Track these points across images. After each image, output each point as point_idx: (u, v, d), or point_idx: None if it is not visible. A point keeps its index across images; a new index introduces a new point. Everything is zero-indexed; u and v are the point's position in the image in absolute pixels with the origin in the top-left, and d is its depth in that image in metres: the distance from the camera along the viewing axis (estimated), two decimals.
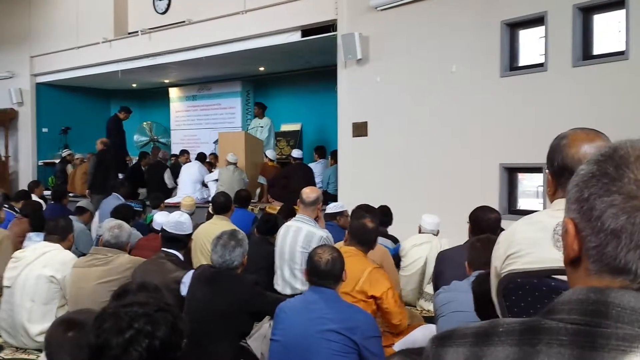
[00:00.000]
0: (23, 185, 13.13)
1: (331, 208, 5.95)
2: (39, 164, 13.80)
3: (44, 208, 7.81)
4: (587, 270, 0.94)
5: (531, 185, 7.12)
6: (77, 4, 12.81)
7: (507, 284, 1.94)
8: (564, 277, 1.82)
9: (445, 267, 4.22)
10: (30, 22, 13.55)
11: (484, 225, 4.01)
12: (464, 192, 6.99)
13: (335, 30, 8.70)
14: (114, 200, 8.40)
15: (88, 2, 12.67)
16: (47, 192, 10.52)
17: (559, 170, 1.89)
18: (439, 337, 1.03)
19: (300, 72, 12.64)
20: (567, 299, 0.94)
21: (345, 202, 6.53)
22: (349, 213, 6.00)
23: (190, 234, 4.42)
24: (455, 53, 7.35)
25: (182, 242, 4.28)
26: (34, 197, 9.01)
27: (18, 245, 5.72)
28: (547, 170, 1.97)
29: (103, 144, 10.85)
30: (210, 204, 6.52)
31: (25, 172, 13.77)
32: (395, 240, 6.23)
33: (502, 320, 0.98)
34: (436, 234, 5.95)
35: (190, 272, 3.86)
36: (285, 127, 12.91)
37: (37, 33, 13.45)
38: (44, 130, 13.85)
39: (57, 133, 13.56)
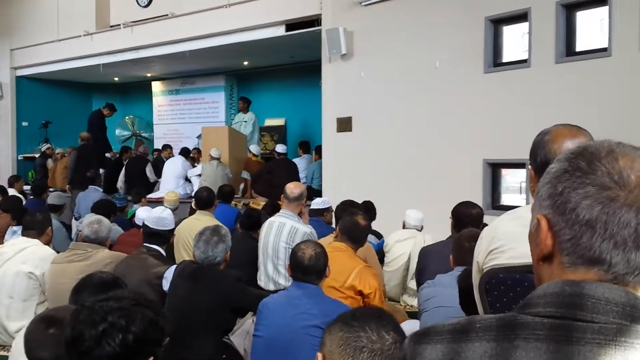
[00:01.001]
0: (2, 180, 12.99)
1: (317, 204, 5.92)
2: (19, 158, 13.63)
3: (23, 203, 7.71)
4: (560, 265, 0.95)
5: (514, 181, 7.15)
6: None
7: (488, 280, 1.94)
8: None
9: (428, 262, 4.22)
10: (11, 14, 13.35)
11: (467, 221, 4.03)
12: (447, 188, 7.00)
13: (320, 25, 8.68)
14: (93, 192, 8.34)
15: None
16: (27, 187, 10.41)
17: (541, 166, 1.89)
18: (416, 335, 1.04)
19: (284, 66, 12.60)
20: (542, 292, 0.95)
21: (329, 198, 6.53)
22: (332, 209, 6.01)
23: (173, 230, 4.38)
24: (439, 49, 7.35)
25: (164, 237, 4.25)
26: (13, 192, 8.91)
27: None
28: (529, 166, 1.97)
29: (83, 139, 10.78)
30: (193, 199, 6.48)
31: (5, 166, 13.59)
32: (379, 235, 6.23)
33: (479, 317, 0.99)
34: (420, 229, 5.96)
35: (173, 268, 3.83)
36: (269, 122, 12.87)
37: (17, 25, 13.27)
38: (24, 124, 13.68)
39: (37, 127, 13.39)
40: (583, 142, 1.82)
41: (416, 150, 7.60)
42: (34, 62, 13.12)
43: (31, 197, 8.73)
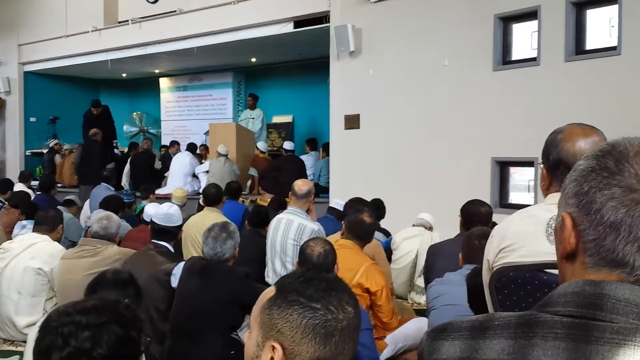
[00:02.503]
0: (10, 174, 13.04)
1: (337, 204, 5.97)
2: (27, 153, 13.66)
3: (31, 199, 7.74)
4: (583, 264, 0.94)
5: (522, 180, 7.13)
6: None
7: (499, 278, 1.94)
8: (556, 271, 1.83)
9: (437, 260, 4.22)
10: (19, 10, 13.37)
11: (475, 219, 4.02)
12: (455, 186, 6.99)
13: (328, 22, 8.66)
14: (104, 190, 8.37)
15: None
16: (34, 183, 10.45)
17: (554, 165, 1.89)
18: (434, 331, 1.04)
19: (292, 63, 12.59)
20: (562, 291, 0.94)
21: (336, 195, 6.54)
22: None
23: (180, 226, 4.38)
24: (448, 47, 7.34)
25: (172, 233, 4.25)
26: (22, 187, 8.94)
27: (7, 236, 5.66)
28: (541, 165, 1.97)
29: (92, 135, 10.85)
30: (201, 196, 6.49)
31: (13, 162, 13.64)
32: (387, 233, 6.23)
33: (498, 314, 0.99)
34: (429, 227, 5.96)
35: (181, 264, 3.84)
36: (276, 119, 12.88)
37: (25, 21, 13.29)
38: (32, 119, 13.71)
39: (45, 123, 13.43)
40: (596, 141, 1.83)
41: (424, 148, 7.58)
42: (42, 57, 13.13)
43: (39, 192, 8.76)
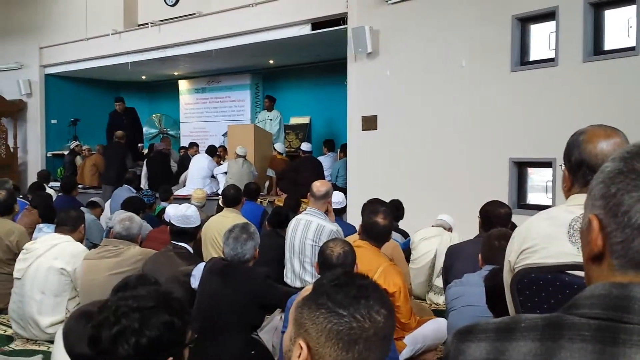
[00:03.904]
0: (32, 176, 13.20)
1: (338, 203, 5.91)
2: (48, 155, 13.83)
3: (53, 200, 7.84)
4: (610, 266, 0.94)
5: (540, 180, 7.10)
6: None
7: (520, 279, 1.95)
8: (578, 273, 1.84)
9: (455, 261, 4.22)
10: (40, 13, 13.54)
11: (495, 220, 4.02)
12: (473, 187, 6.98)
13: (346, 24, 8.68)
14: (126, 192, 8.46)
15: None
16: (55, 184, 10.57)
17: (575, 166, 1.90)
18: (460, 332, 1.04)
19: (309, 65, 12.62)
20: (589, 293, 0.94)
21: (354, 196, 6.55)
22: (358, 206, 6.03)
23: (199, 226, 4.40)
24: (465, 47, 7.33)
25: (191, 234, 4.28)
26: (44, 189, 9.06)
27: (28, 236, 5.72)
28: (562, 166, 1.97)
29: (116, 137, 11.02)
30: (221, 197, 6.53)
31: (34, 163, 13.81)
32: (405, 234, 6.23)
33: (524, 316, 0.99)
34: (448, 228, 5.95)
35: (201, 265, 3.88)
36: (294, 120, 12.91)
37: (46, 24, 13.44)
38: (53, 121, 13.87)
39: (66, 124, 13.59)
40: (618, 143, 1.84)
41: (442, 149, 7.58)
42: (63, 60, 13.29)
43: (60, 193, 8.87)
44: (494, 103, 7.10)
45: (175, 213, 4.30)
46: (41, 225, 5.94)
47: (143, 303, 1.66)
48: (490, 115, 7.13)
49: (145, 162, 11.33)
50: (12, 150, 13.73)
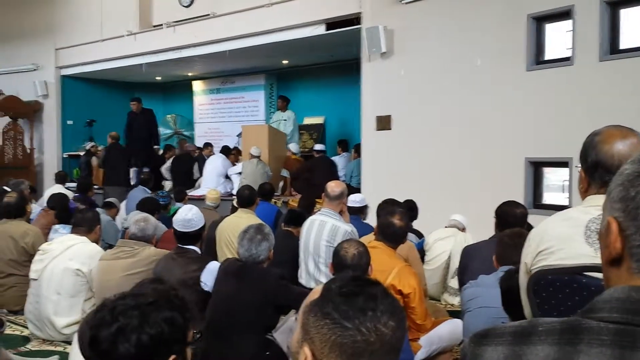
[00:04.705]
0: (48, 177, 13.32)
1: (356, 202, 5.90)
2: (64, 156, 13.93)
3: (69, 200, 7.89)
4: (629, 270, 0.93)
5: (556, 180, 7.06)
6: None
7: (537, 281, 1.93)
8: (596, 274, 1.82)
9: (470, 262, 4.20)
10: (55, 15, 13.62)
11: (511, 220, 4.00)
12: (488, 187, 6.95)
13: (360, 24, 8.67)
14: (141, 192, 8.51)
15: None
16: (71, 184, 10.65)
17: (592, 167, 1.88)
18: (476, 336, 1.03)
19: (323, 65, 12.61)
20: (607, 297, 0.93)
21: (369, 196, 6.52)
22: (371, 206, 6.01)
23: (203, 226, 4.34)
24: (480, 47, 7.29)
25: (196, 236, 4.23)
26: (59, 188, 9.13)
27: (45, 237, 5.77)
28: (578, 167, 1.96)
29: (111, 138, 11.11)
30: (235, 197, 6.55)
31: (50, 164, 13.91)
32: (419, 234, 6.21)
33: (542, 320, 0.98)
34: (462, 228, 5.92)
35: (210, 265, 3.88)
36: (308, 120, 12.91)
37: (62, 25, 13.52)
38: (69, 122, 13.96)
39: (81, 125, 13.66)
40: (634, 143, 1.82)
41: (457, 149, 7.55)
42: (78, 61, 13.36)
43: (76, 194, 8.93)
44: (509, 102, 7.06)
45: (176, 218, 4.25)
46: (57, 226, 5.99)
47: (142, 300, 1.61)
48: (505, 115, 7.09)
49: (171, 161, 11.41)
50: (28, 151, 13.87)
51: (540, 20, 6.90)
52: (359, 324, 1.22)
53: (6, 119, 13.75)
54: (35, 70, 13.97)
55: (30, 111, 13.88)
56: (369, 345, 1.22)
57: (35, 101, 13.88)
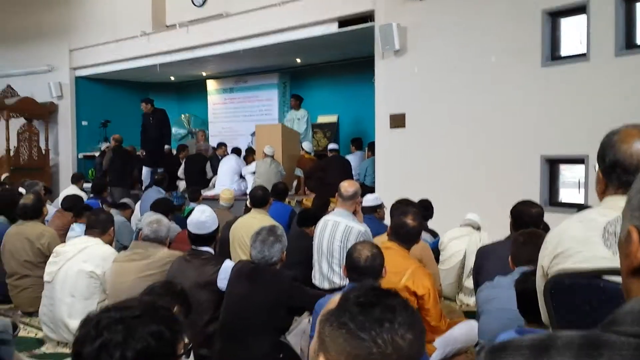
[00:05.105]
0: (63, 178, 13.41)
1: (369, 201, 5.87)
2: (79, 156, 14.02)
3: (84, 201, 7.93)
4: None
5: (572, 177, 6.98)
6: None
7: (554, 285, 1.89)
8: (614, 278, 1.77)
9: (486, 262, 4.15)
10: (70, 16, 13.71)
11: (527, 220, 3.95)
12: (503, 184, 6.89)
13: (373, 21, 8.63)
14: (155, 193, 8.53)
15: None
16: (87, 185, 10.71)
17: (609, 167, 1.84)
18: (493, 349, 0.99)
19: (336, 63, 12.59)
20: (629, 309, 0.90)
21: (382, 195, 6.48)
22: (385, 205, 5.97)
23: (217, 228, 4.32)
24: (494, 43, 7.22)
25: (210, 238, 4.20)
26: (74, 189, 9.18)
27: (60, 238, 5.80)
28: (596, 167, 1.91)
29: (115, 140, 11.36)
30: (248, 198, 6.53)
31: (66, 165, 14.01)
32: (434, 234, 6.16)
33: (560, 333, 0.94)
34: (477, 227, 5.86)
35: (225, 265, 3.86)
36: (321, 119, 12.88)
37: (76, 26, 13.61)
38: (84, 123, 14.06)
39: (96, 126, 13.76)
40: None
41: (472, 147, 7.48)
42: (93, 62, 13.45)
43: (91, 195, 8.97)
44: (524, 99, 6.99)
45: (190, 220, 4.23)
46: (74, 225, 6.06)
47: (127, 313, 1.55)
48: (520, 112, 7.02)
49: (184, 161, 11.47)
50: (43, 152, 13.96)
51: (554, 16, 6.82)
52: (375, 336, 1.19)
53: (21, 121, 13.85)
54: (49, 71, 14.06)
55: (45, 112, 13.98)
56: (384, 358, 1.19)
57: (50, 102, 13.98)
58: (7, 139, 13.50)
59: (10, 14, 14.47)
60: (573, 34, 6.74)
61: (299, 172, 10.14)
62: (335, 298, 1.32)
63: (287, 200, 7.94)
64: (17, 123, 13.84)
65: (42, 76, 14.05)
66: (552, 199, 6.94)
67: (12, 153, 13.47)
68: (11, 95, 14.06)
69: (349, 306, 1.25)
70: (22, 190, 8.23)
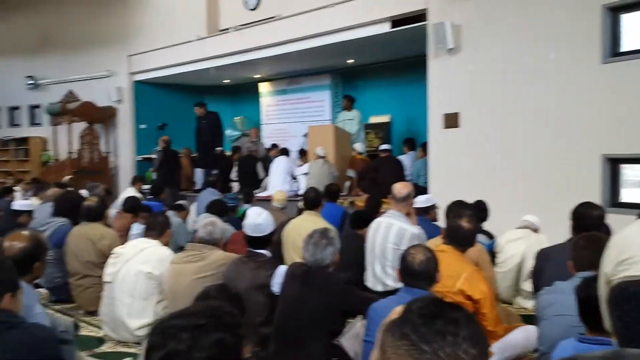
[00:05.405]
0: (123, 180, 13.76)
1: (421, 202, 5.80)
2: (138, 159, 14.36)
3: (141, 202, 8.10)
4: None
5: (634, 175, 6.74)
6: (171, 3, 13.25)
7: (618, 292, 1.83)
8: None
9: (546, 265, 4.05)
10: (127, 23, 14.09)
11: (588, 222, 3.84)
12: (562, 185, 6.71)
13: (426, 20, 8.53)
14: (210, 195, 8.65)
15: (181, 1, 13.07)
16: (145, 187, 10.96)
17: None
18: None
19: (389, 63, 12.49)
20: None
21: (437, 196, 6.40)
22: (438, 206, 5.90)
23: (273, 232, 4.34)
24: (552, 39, 7.04)
25: (266, 240, 4.23)
26: (133, 191, 9.40)
27: (121, 240, 5.94)
28: None
29: (163, 142, 11.73)
30: (301, 199, 6.55)
31: (125, 167, 14.38)
32: (490, 235, 6.04)
33: (628, 351, 0.91)
34: (535, 229, 5.72)
35: (280, 269, 3.88)
36: (374, 119, 12.82)
37: (133, 33, 13.97)
38: (142, 126, 14.38)
39: (154, 129, 14.05)
40: None
41: (528, 146, 7.31)
42: (150, 67, 13.75)
43: (150, 196, 9.17)
44: (583, 97, 6.79)
45: (247, 222, 4.27)
46: (135, 224, 6.33)
47: (192, 321, 1.58)
48: (580, 110, 6.83)
49: (238, 164, 11.62)
50: (104, 155, 14.36)
51: (615, 10, 6.60)
52: (437, 348, 1.15)
53: (83, 125, 14.28)
54: (109, 76, 14.45)
55: (105, 116, 14.39)
56: None
57: (109, 107, 14.37)
58: (70, 143, 13.97)
59: (71, 22, 14.97)
60: (634, 29, 6.51)
61: (351, 173, 10.12)
62: (398, 308, 1.30)
63: (339, 201, 7.94)
64: (79, 127, 14.29)
65: (102, 81, 14.48)
66: (613, 199, 6.72)
67: (74, 156, 13.92)
68: (73, 101, 14.50)
69: (411, 317, 1.22)
70: (83, 192, 8.47)
